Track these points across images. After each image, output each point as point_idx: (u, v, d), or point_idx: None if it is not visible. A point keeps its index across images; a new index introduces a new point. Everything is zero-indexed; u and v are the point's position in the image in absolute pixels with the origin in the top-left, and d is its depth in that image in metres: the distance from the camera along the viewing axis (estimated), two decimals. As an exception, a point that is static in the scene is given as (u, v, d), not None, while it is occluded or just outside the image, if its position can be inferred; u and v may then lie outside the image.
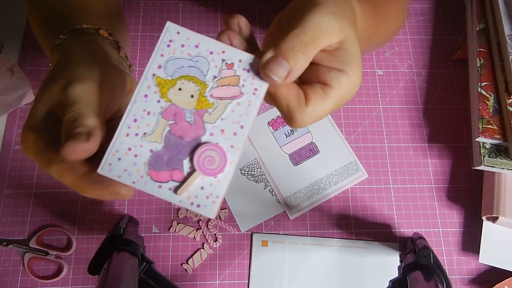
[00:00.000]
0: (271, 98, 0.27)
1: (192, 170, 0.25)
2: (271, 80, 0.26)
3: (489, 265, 0.51)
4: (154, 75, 0.26)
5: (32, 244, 0.49)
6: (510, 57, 0.50)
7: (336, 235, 0.52)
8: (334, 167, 0.55)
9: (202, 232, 0.51)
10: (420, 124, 0.58)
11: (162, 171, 0.25)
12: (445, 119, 0.58)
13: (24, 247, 0.49)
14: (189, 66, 0.27)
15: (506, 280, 0.50)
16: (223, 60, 0.27)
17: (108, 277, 0.36)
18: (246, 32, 0.28)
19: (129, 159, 0.25)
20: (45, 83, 0.29)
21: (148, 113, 0.26)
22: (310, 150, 0.55)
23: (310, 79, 0.27)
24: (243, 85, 0.27)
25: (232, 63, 0.27)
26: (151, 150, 0.25)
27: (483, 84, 0.51)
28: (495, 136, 0.48)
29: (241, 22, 0.28)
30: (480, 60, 0.53)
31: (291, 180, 0.54)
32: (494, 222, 0.50)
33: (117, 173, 0.25)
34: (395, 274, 0.47)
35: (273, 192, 0.53)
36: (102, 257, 0.40)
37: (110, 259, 0.39)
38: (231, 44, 0.27)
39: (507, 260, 0.50)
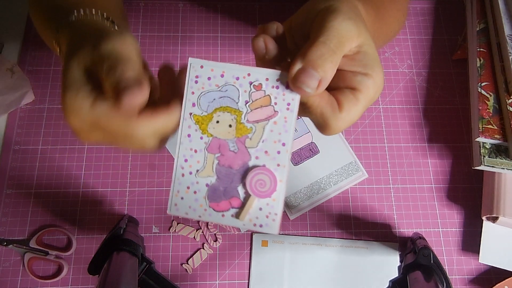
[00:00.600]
0: (303, 109, 0.27)
1: (248, 195, 0.27)
2: (303, 92, 0.26)
3: (489, 265, 0.51)
4: (191, 114, 0.28)
5: (32, 244, 0.49)
6: (510, 57, 0.50)
7: (336, 235, 0.52)
8: (334, 167, 0.55)
9: (202, 232, 0.51)
10: (420, 124, 0.58)
11: (222, 201, 0.27)
12: (445, 119, 0.58)
13: (24, 247, 0.49)
14: (220, 97, 0.28)
15: (506, 280, 0.50)
16: (251, 83, 0.27)
17: (108, 277, 0.36)
18: (280, 37, 0.29)
19: (190, 196, 0.28)
20: (71, 50, 0.28)
21: (195, 151, 0.28)
22: (310, 150, 0.55)
23: (336, 85, 0.27)
24: (275, 103, 0.27)
25: (260, 83, 0.27)
26: (207, 185, 0.28)
27: (483, 84, 0.51)
28: (495, 136, 0.48)
29: (279, 29, 0.29)
30: (480, 60, 0.53)
31: (291, 180, 0.54)
32: (494, 222, 0.50)
33: (183, 211, 0.28)
34: (395, 274, 0.47)
35: (273, 192, 0.53)
36: (102, 257, 0.40)
37: (110, 259, 0.39)
38: (266, 48, 0.28)
39: (507, 260, 0.50)
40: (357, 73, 0.27)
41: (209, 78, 0.28)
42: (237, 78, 0.27)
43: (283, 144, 0.27)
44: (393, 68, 0.60)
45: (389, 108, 0.58)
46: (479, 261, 0.50)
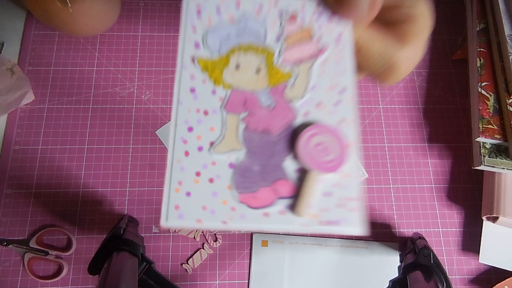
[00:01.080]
0: (356, 50, 0.21)
1: (303, 173, 0.18)
2: (354, 15, 0.20)
3: (489, 265, 0.51)
4: (193, 58, 0.19)
5: (32, 244, 0.49)
6: (510, 57, 0.50)
7: (336, 235, 0.52)
8: (334, 167, 0.55)
9: (202, 232, 0.51)
10: (420, 124, 0.58)
11: (260, 189, 0.18)
12: (445, 119, 0.58)
13: (24, 247, 0.49)
14: (238, 33, 0.20)
15: (506, 280, 0.50)
16: (281, 14, 0.20)
17: (108, 277, 0.36)
18: None
19: (203, 188, 0.17)
20: None
21: (205, 113, 0.18)
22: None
23: (386, 17, 0.22)
24: (320, 37, 0.20)
25: (294, 13, 0.20)
26: (231, 165, 0.18)
27: (483, 84, 0.51)
28: (495, 136, 0.48)
29: None
30: (480, 60, 0.53)
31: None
32: (494, 222, 0.50)
33: (193, 217, 0.17)
34: (395, 274, 0.47)
35: (273, 192, 0.53)
36: (102, 257, 0.40)
37: (110, 259, 0.39)
38: None
39: (507, 260, 0.50)
40: (404, 6, 0.21)
41: (218, 10, 0.20)
42: (260, 8, 0.20)
43: (343, 90, 0.19)
44: (393, 68, 0.60)
45: (389, 108, 0.58)
46: (479, 261, 0.50)
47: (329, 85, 0.19)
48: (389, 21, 0.21)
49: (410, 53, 0.21)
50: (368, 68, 0.22)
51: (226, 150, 0.18)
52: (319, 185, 0.17)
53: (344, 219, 0.17)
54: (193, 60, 0.19)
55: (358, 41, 0.21)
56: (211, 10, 0.20)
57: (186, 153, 0.18)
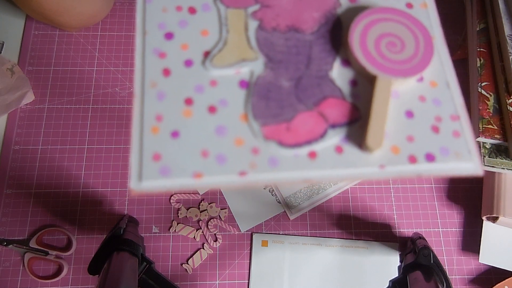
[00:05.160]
0: None
1: (365, 84, 0.11)
2: None
3: (489, 265, 0.51)
4: None
5: (32, 244, 0.49)
6: (510, 57, 0.50)
7: (336, 235, 0.52)
8: (334, 167, 0.54)
9: (202, 232, 0.51)
10: (420, 124, 0.57)
11: (297, 115, 0.11)
12: (445, 119, 0.58)
13: (24, 247, 0.49)
14: None
15: (506, 280, 0.50)
16: None
17: (108, 277, 0.36)
18: None
19: (200, 123, 0.11)
20: None
21: (192, 10, 0.12)
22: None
23: None
24: None
25: None
26: (242, 83, 0.11)
27: (483, 84, 0.51)
28: (495, 136, 0.48)
29: None
30: (480, 60, 0.53)
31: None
32: (494, 222, 0.50)
33: (187, 170, 0.11)
34: (395, 274, 0.47)
35: (273, 192, 0.53)
36: (102, 257, 0.40)
37: (110, 259, 0.39)
38: None
39: (507, 260, 0.50)
40: None
41: None
42: None
43: None
44: (393, 68, 0.60)
45: (389, 108, 0.58)
46: (479, 261, 0.50)
47: None
48: None
49: None
50: None
51: (233, 62, 0.11)
52: (394, 100, 0.11)
53: (445, 149, 0.11)
54: None
55: None
56: None
57: (166, 72, 0.11)
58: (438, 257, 0.43)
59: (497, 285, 0.49)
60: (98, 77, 0.57)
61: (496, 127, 0.49)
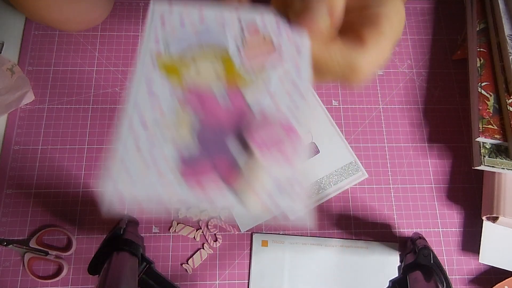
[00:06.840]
0: (317, 67, 0.21)
1: (252, 155, 0.18)
2: (312, 26, 0.20)
3: (489, 265, 0.51)
4: (153, 61, 0.20)
5: (32, 244, 0.49)
6: (510, 57, 0.50)
7: (336, 235, 0.52)
8: (334, 167, 0.55)
9: (202, 232, 0.51)
10: (420, 124, 0.58)
11: (199, 165, 0.18)
12: (445, 119, 0.58)
13: (24, 247, 0.49)
14: (200, 43, 0.20)
15: (506, 280, 0.50)
16: (242, 29, 0.21)
17: (108, 277, 0.36)
18: None
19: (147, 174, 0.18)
20: None
21: (160, 111, 0.19)
22: (310, 150, 0.55)
23: (350, 26, 0.22)
24: (279, 46, 0.20)
25: (256, 27, 0.21)
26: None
27: (483, 84, 0.51)
28: (495, 136, 0.48)
29: None
30: (480, 60, 0.53)
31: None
32: (494, 222, 0.50)
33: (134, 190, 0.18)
34: (395, 274, 0.47)
35: (273, 192, 0.53)
36: (102, 257, 0.40)
37: (110, 259, 0.39)
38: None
39: (507, 260, 0.50)
40: (370, 6, 0.21)
41: (182, 24, 0.20)
42: (223, 20, 0.21)
43: (300, 96, 0.20)
44: (393, 68, 0.60)
45: (389, 108, 0.58)
46: (479, 261, 0.50)
47: (286, 93, 0.20)
48: (355, 23, 0.21)
49: (373, 56, 0.20)
50: (330, 74, 0.21)
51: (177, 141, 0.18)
52: (265, 173, 0.18)
53: (290, 207, 0.17)
54: (153, 64, 0.19)
55: (315, 53, 0.21)
56: (176, 24, 0.20)
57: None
58: (438, 257, 0.43)
59: (497, 285, 0.49)
60: (98, 77, 0.57)
61: (496, 127, 0.49)
